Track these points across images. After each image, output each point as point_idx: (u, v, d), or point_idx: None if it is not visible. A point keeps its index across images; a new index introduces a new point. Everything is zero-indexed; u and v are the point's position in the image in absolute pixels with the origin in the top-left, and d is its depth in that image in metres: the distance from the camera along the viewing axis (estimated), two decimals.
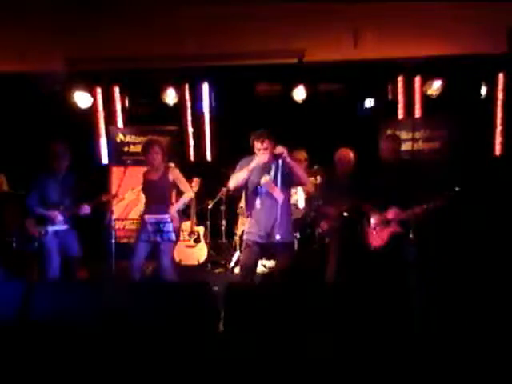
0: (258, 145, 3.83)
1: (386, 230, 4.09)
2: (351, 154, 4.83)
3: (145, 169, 4.52)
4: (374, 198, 4.17)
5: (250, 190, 3.95)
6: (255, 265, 4.09)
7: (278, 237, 3.75)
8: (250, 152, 4.19)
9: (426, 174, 4.24)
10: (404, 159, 4.33)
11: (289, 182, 3.90)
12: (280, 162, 3.74)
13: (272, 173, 3.83)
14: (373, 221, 4.18)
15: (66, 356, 2.60)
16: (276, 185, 3.81)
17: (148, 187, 4.42)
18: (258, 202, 3.87)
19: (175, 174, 4.44)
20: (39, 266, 4.51)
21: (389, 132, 5.99)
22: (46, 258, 4.50)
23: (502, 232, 5.03)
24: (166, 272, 4.33)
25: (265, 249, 3.97)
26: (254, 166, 3.81)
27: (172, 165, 4.66)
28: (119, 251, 4.49)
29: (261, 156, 3.80)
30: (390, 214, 4.04)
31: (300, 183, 4.01)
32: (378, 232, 4.15)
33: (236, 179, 3.94)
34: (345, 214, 4.65)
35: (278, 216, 3.78)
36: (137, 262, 4.33)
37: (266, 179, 3.84)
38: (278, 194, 3.82)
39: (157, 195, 4.37)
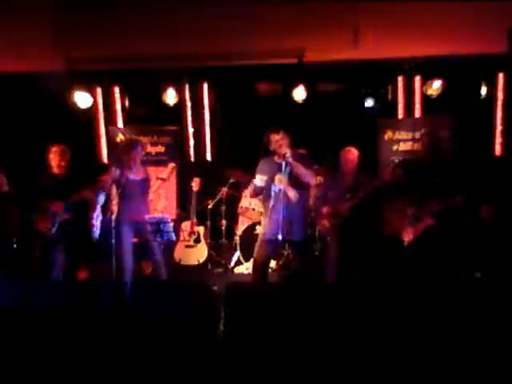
0: (275, 137, 3.97)
1: (419, 224, 4.12)
2: (356, 154, 4.86)
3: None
4: (412, 193, 4.19)
5: (265, 188, 4.04)
6: (267, 262, 4.14)
7: (288, 235, 3.81)
8: (250, 152, 4.22)
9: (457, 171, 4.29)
10: (440, 156, 4.39)
11: (300, 181, 3.95)
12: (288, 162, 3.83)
13: (286, 171, 3.88)
14: (407, 215, 4.20)
15: (64, 356, 2.60)
16: (290, 184, 3.87)
17: (131, 187, 4.34)
18: (271, 200, 3.92)
19: (150, 174, 4.54)
20: (40, 265, 4.51)
21: (389, 133, 6.00)
22: (51, 254, 4.51)
23: (502, 231, 5.03)
24: (160, 268, 4.33)
25: (277, 247, 4.01)
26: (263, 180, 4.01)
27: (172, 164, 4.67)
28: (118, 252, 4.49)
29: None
30: (424, 206, 4.08)
31: (305, 184, 4.03)
32: (411, 227, 4.16)
33: (252, 188, 4.20)
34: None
35: (290, 214, 3.83)
36: (128, 263, 4.31)
37: (280, 178, 3.89)
38: (292, 193, 3.88)
39: (140, 195, 4.38)
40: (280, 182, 3.89)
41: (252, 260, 4.36)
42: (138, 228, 4.27)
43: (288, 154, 3.84)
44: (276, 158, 4.05)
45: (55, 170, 4.67)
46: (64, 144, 4.77)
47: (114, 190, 4.58)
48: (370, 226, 4.84)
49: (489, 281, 4.38)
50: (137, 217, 4.22)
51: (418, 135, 5.85)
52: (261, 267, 4.07)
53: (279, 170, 3.92)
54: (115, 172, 4.33)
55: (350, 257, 4.84)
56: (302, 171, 3.92)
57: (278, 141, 3.95)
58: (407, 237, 4.22)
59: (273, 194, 3.91)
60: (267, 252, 4.05)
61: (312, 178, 4.05)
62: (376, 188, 4.64)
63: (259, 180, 4.05)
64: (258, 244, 4.11)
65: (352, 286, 4.14)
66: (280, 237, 3.83)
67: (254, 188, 4.14)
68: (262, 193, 4.16)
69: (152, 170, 4.82)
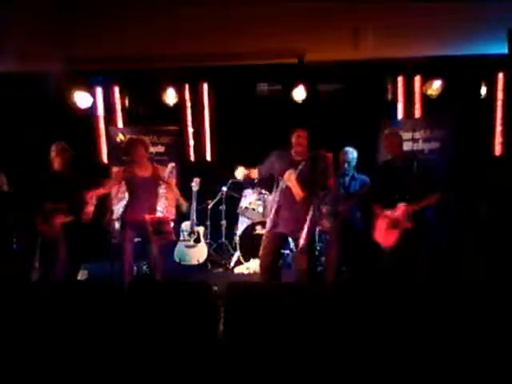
0: (295, 136, 3.99)
1: (397, 228, 4.05)
2: (355, 154, 4.89)
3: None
4: (383, 196, 4.14)
5: (275, 181, 4.03)
6: (275, 259, 4.07)
7: (294, 233, 3.78)
8: (250, 151, 4.23)
9: (428, 170, 4.23)
10: (408, 155, 4.35)
11: (313, 183, 3.89)
12: (311, 163, 3.79)
13: (298, 170, 3.84)
14: (383, 220, 4.13)
15: (62, 356, 2.60)
16: (299, 182, 3.82)
17: (139, 186, 4.35)
18: (277, 195, 3.89)
19: (163, 173, 4.47)
20: (40, 265, 4.51)
21: (387, 132, 6.00)
22: (52, 254, 4.51)
23: (502, 231, 5.03)
24: (155, 269, 4.32)
25: (284, 243, 3.97)
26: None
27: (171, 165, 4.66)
28: (119, 251, 4.49)
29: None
30: (399, 210, 4.00)
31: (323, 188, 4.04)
32: (389, 231, 4.10)
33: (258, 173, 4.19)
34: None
35: (294, 213, 3.80)
36: (128, 263, 4.31)
37: (289, 174, 3.85)
38: (298, 192, 3.82)
39: (148, 193, 4.35)
40: (289, 179, 3.85)
41: (259, 260, 4.29)
42: (140, 227, 4.24)
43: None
44: (293, 152, 4.02)
45: (56, 169, 4.67)
46: (64, 142, 4.77)
47: (114, 190, 4.58)
48: (364, 225, 4.85)
49: (487, 282, 4.37)
50: (141, 216, 4.20)
51: (417, 135, 5.86)
52: (270, 265, 3.97)
53: (292, 167, 3.89)
54: (124, 171, 4.35)
55: (349, 256, 4.86)
56: (329, 178, 3.94)
57: (297, 139, 3.97)
58: (387, 242, 4.15)
59: (280, 189, 3.89)
60: (274, 248, 3.98)
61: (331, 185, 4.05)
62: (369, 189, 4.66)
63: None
64: (264, 241, 4.04)
65: (352, 285, 4.15)
66: (287, 233, 3.80)
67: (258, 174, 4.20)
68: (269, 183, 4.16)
69: None
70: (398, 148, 4.24)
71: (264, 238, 4.08)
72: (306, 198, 3.91)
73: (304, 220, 3.91)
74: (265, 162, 4.15)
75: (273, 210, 3.99)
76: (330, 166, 4.07)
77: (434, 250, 4.16)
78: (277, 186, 3.96)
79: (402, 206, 3.96)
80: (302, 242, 3.77)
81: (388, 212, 4.05)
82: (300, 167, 3.84)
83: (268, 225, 4.04)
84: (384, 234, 4.11)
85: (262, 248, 4.06)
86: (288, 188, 3.85)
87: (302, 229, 3.89)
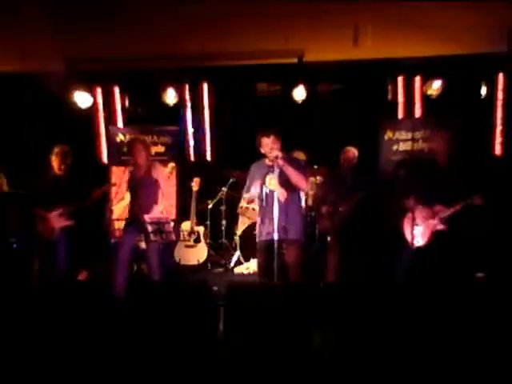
0: (265, 140, 3.93)
1: (429, 227, 4.04)
2: (355, 153, 4.91)
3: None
4: (421, 193, 4.08)
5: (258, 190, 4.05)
6: (271, 265, 4.10)
7: (278, 235, 3.79)
8: (249, 152, 4.22)
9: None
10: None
11: (291, 183, 3.93)
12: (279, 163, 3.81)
13: (275, 172, 3.88)
14: (418, 216, 4.08)
15: (63, 356, 2.60)
16: (280, 184, 3.86)
17: (135, 185, 4.37)
18: (263, 200, 3.93)
19: (158, 172, 4.43)
20: (40, 265, 4.51)
21: (389, 133, 6.01)
22: (52, 255, 4.51)
23: (502, 231, 5.03)
24: (153, 273, 4.32)
25: (274, 247, 3.98)
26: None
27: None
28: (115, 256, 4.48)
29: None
30: (437, 209, 3.98)
31: (296, 186, 4.01)
32: (422, 229, 4.07)
33: (248, 196, 4.20)
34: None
35: (282, 215, 3.81)
36: (124, 263, 4.29)
37: (270, 179, 3.91)
38: (281, 193, 3.86)
39: (144, 193, 4.34)
40: (270, 184, 3.92)
41: (256, 266, 4.34)
42: (140, 227, 4.23)
43: (279, 156, 3.82)
44: (267, 160, 4.06)
45: (56, 171, 4.66)
46: (66, 145, 4.76)
47: (114, 190, 4.57)
48: (368, 224, 4.85)
49: (492, 281, 4.37)
50: (141, 216, 4.19)
51: (417, 135, 5.86)
52: (266, 272, 4.03)
53: (270, 172, 3.94)
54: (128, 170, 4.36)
55: (350, 256, 4.85)
56: (293, 174, 3.87)
57: (269, 144, 3.92)
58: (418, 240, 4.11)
59: (264, 195, 3.96)
60: (268, 255, 4.01)
61: (303, 181, 3.97)
62: (373, 188, 4.65)
63: (253, 189, 4.06)
64: (257, 249, 4.11)
65: (352, 285, 4.14)
66: (275, 237, 3.82)
67: (251, 196, 4.17)
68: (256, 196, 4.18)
69: None
70: (445, 152, 4.18)
71: (258, 246, 4.11)
72: (294, 199, 3.99)
73: (295, 219, 3.96)
74: (248, 182, 4.18)
75: (261, 217, 4.03)
76: (302, 166, 4.11)
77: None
78: (260, 194, 4.01)
79: (440, 208, 3.96)
80: (276, 235, 3.77)
81: (423, 213, 4.03)
82: (277, 170, 3.89)
83: (259, 231, 4.09)
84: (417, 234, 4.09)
85: (257, 248, 4.09)
86: (271, 192, 3.91)
87: (294, 228, 3.92)
